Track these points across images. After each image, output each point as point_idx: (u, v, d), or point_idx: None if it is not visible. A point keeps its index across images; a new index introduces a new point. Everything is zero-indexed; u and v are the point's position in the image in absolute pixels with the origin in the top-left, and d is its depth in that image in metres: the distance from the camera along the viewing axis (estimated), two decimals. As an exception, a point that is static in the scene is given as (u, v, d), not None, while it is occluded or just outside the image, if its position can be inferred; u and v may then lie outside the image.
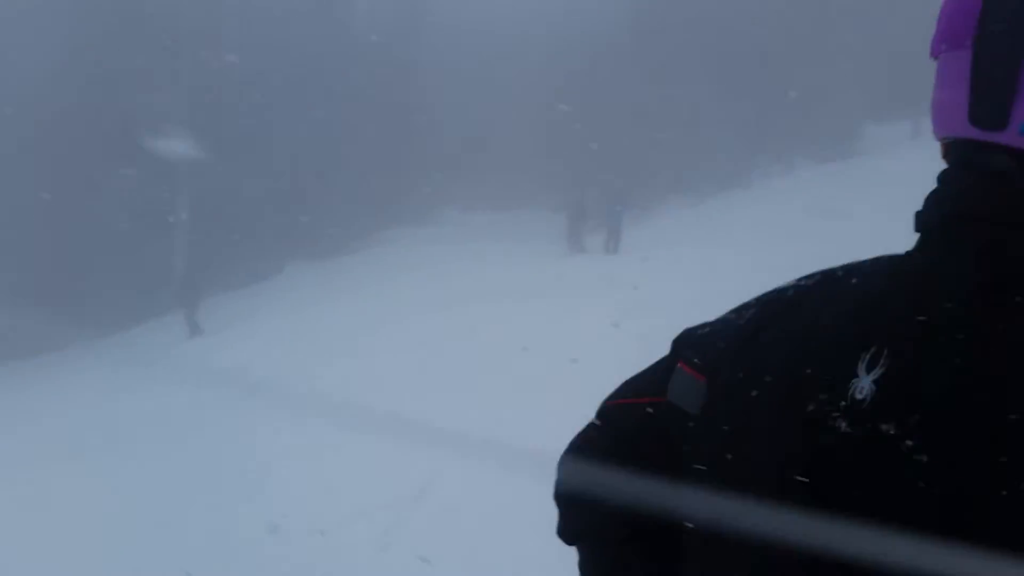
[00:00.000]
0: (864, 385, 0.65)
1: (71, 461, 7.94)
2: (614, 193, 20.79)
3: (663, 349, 0.91)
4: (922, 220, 0.73)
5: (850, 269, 0.78)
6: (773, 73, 23.55)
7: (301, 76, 25.17)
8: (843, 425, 0.65)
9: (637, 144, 25.77)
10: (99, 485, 6.82)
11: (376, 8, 31.57)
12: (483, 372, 8.03)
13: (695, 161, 25.06)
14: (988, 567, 0.56)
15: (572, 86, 28.35)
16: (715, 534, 0.74)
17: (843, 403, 0.66)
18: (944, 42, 0.72)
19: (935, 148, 0.77)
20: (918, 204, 0.75)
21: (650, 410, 0.87)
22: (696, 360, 0.83)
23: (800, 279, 0.82)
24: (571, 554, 0.97)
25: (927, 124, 0.81)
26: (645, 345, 1.00)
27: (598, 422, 0.95)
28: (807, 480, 0.66)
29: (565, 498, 0.95)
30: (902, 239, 0.79)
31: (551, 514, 0.98)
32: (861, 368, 0.66)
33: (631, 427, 0.90)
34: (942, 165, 0.75)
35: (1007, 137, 0.66)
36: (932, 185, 0.74)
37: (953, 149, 0.73)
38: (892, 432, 0.62)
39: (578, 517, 0.93)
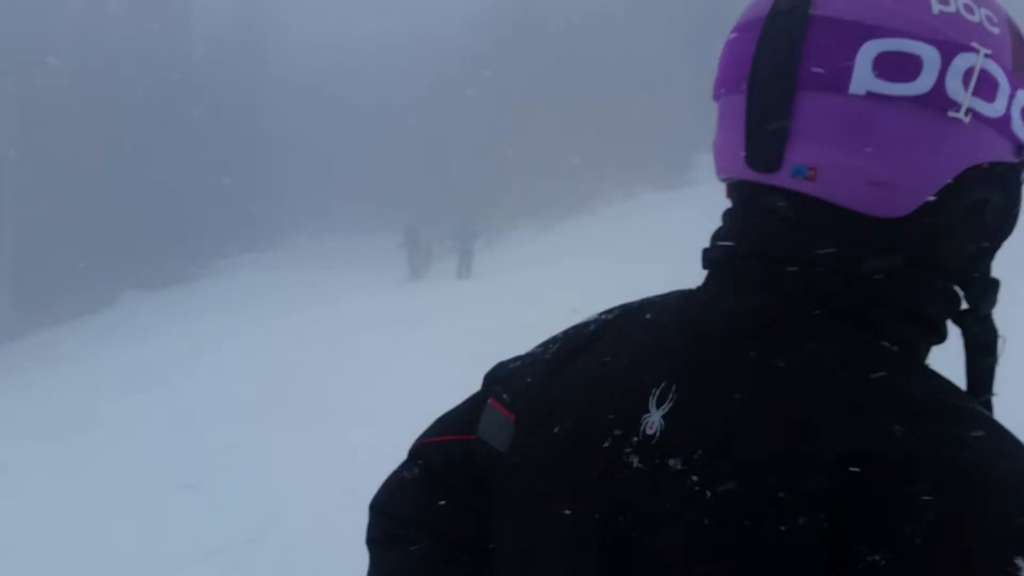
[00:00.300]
0: (654, 420, 0.66)
1: None
2: (465, 218, 20.95)
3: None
4: (707, 257, 0.75)
5: (645, 304, 0.80)
6: (615, 103, 24.57)
7: (139, 102, 23.99)
8: (635, 461, 0.66)
9: (487, 169, 26.15)
10: None
11: (215, 27, 30.51)
12: (315, 407, 7.79)
13: (543, 187, 25.68)
14: None
15: (419, 110, 28.46)
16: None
17: (635, 438, 0.67)
18: (723, 86, 0.73)
19: None
20: None
21: (461, 448, 0.86)
22: (505, 396, 0.83)
23: (602, 313, 0.84)
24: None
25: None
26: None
27: (409, 462, 0.94)
28: (601, 517, 0.66)
29: (374, 543, 0.92)
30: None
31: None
32: (652, 403, 0.67)
33: (443, 466, 0.89)
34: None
35: (780, 179, 0.67)
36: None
37: (735, 189, 0.75)
38: (679, 468, 0.62)
39: (389, 560, 0.90)
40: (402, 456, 0.96)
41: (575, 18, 26.32)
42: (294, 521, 5.11)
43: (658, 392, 0.67)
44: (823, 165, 0.66)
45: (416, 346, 9.85)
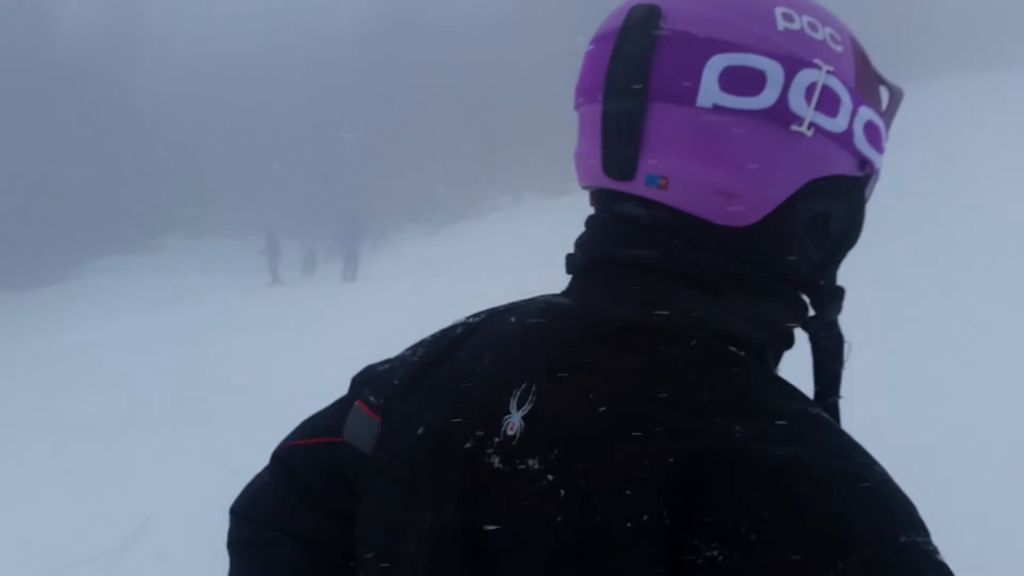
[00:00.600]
0: (515, 421, 0.66)
1: None
2: (351, 221, 20.64)
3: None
4: (570, 263, 0.76)
5: (511, 308, 0.81)
6: (503, 110, 24.77)
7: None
8: (496, 461, 0.66)
9: (374, 171, 25.84)
10: None
11: (86, 19, 28.86)
12: (188, 413, 7.53)
13: (431, 191, 25.60)
14: None
15: (301, 109, 27.82)
16: None
17: (496, 439, 0.67)
18: (580, 96, 0.74)
19: None
20: None
21: (326, 450, 0.85)
22: (372, 398, 0.82)
23: (469, 316, 0.84)
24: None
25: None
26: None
27: (272, 465, 0.91)
28: (462, 515, 0.67)
29: (234, 547, 0.91)
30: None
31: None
32: (513, 404, 0.67)
33: (308, 469, 0.87)
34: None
35: (635, 187, 0.69)
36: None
37: (596, 196, 0.76)
38: (536, 467, 0.63)
39: (249, 564, 0.89)
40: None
41: (462, 23, 26.39)
42: (166, 527, 4.91)
43: (519, 393, 0.67)
44: (674, 175, 0.67)
45: (295, 349, 9.63)
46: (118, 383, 8.87)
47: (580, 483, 0.60)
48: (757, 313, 0.69)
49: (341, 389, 0.90)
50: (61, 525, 5.05)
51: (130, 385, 8.71)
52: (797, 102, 0.66)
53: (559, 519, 0.60)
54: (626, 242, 0.71)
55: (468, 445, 0.69)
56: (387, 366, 0.86)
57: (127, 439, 6.80)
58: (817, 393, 0.73)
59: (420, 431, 0.74)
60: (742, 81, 0.65)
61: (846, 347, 0.73)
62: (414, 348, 0.85)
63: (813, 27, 0.69)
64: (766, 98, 0.65)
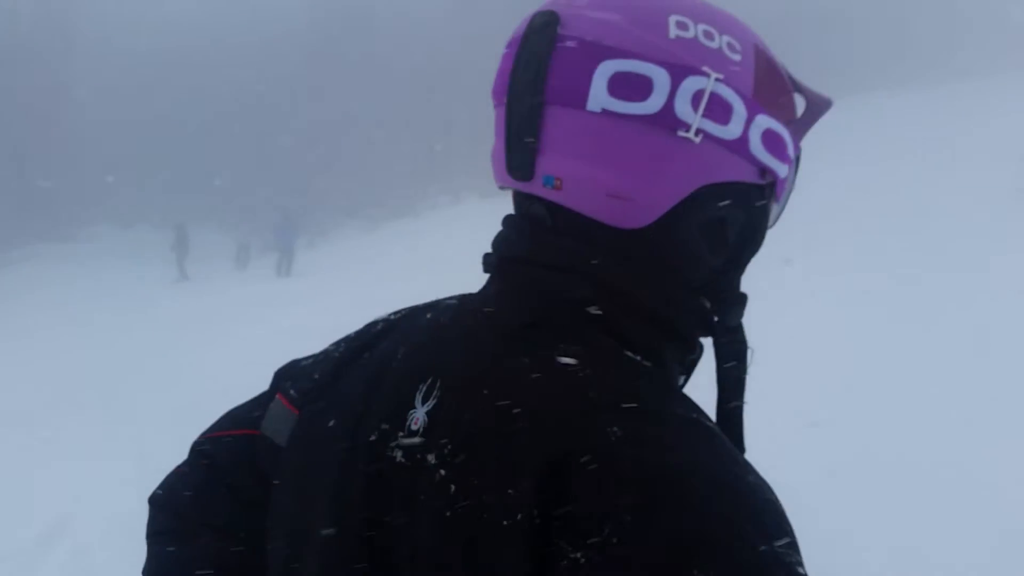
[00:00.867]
0: (419, 416, 0.68)
1: None
2: (286, 214, 20.34)
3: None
4: (485, 261, 0.79)
5: (430, 305, 0.83)
6: (443, 108, 24.69)
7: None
8: (398, 455, 0.67)
9: (314, 165, 25.46)
10: None
11: (17, 8, 27.69)
12: (113, 409, 7.36)
13: (370, 187, 25.36)
14: None
15: (240, 99, 27.26)
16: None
17: (401, 433, 0.68)
18: (493, 98, 0.76)
19: None
20: None
21: (245, 443, 0.86)
22: (292, 392, 0.84)
23: (391, 313, 0.85)
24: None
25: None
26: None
27: (191, 456, 0.92)
28: (363, 506, 0.68)
29: (152, 537, 0.91)
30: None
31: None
32: (418, 400, 0.69)
33: (225, 460, 0.89)
34: None
35: (534, 187, 0.71)
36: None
37: (513, 197, 0.79)
38: (433, 462, 0.64)
39: (165, 553, 0.89)
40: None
41: (404, 18, 26.22)
42: (86, 523, 4.80)
43: (424, 389, 0.69)
44: (567, 176, 0.69)
45: (225, 344, 9.49)
46: (43, 377, 8.60)
47: (470, 479, 0.60)
48: (653, 316, 0.70)
49: (266, 385, 0.92)
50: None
51: (55, 380, 8.46)
52: (683, 108, 0.67)
53: (448, 514, 0.60)
54: (532, 241, 0.72)
55: (373, 438, 0.70)
56: (310, 360, 0.87)
57: (49, 433, 6.61)
58: (720, 398, 0.73)
59: (331, 423, 0.75)
60: (630, 87, 0.67)
61: (749, 353, 0.74)
62: (337, 343, 0.86)
63: (709, 35, 0.69)
64: (652, 104, 0.67)
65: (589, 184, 0.68)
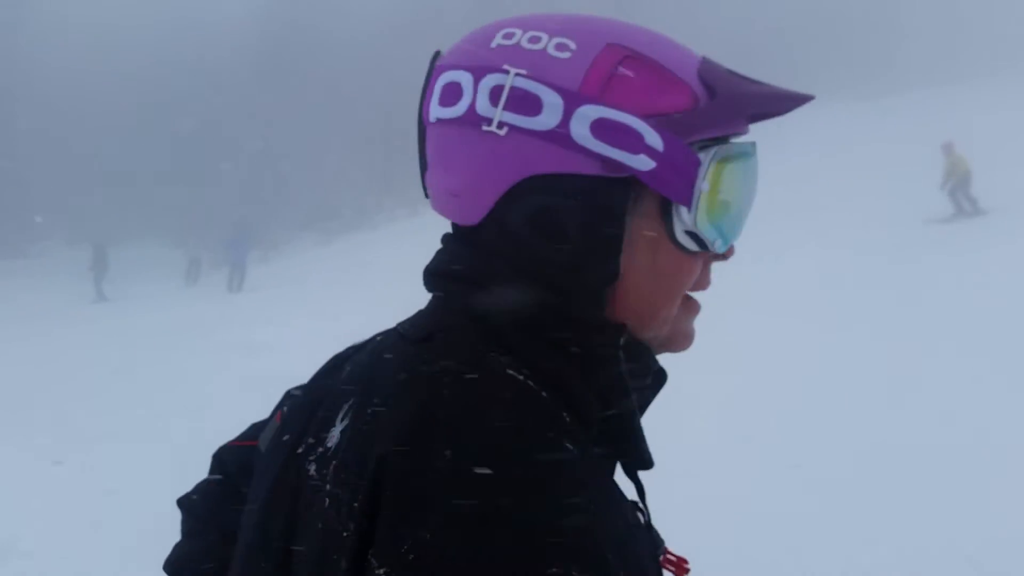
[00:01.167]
0: (335, 434, 0.70)
1: None
2: (237, 228, 20.02)
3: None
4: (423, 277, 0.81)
5: (392, 327, 0.83)
6: (396, 120, 24.66)
7: None
8: (312, 468, 0.70)
9: (266, 178, 25.20)
10: None
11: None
12: (61, 430, 7.15)
13: (324, 200, 25.17)
14: None
15: (187, 115, 26.89)
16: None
17: (320, 449, 0.71)
18: None
19: None
20: None
21: (248, 452, 0.92)
22: (284, 408, 0.87)
23: (375, 335, 0.85)
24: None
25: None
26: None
27: (211, 462, 1.00)
28: (285, 518, 0.71)
29: (182, 535, 0.99)
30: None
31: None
32: (339, 418, 0.71)
33: (233, 467, 0.96)
34: None
35: (431, 204, 0.77)
36: None
37: None
38: (329, 477, 0.67)
39: (181, 548, 0.98)
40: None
41: (359, 29, 26.17)
42: (33, 547, 4.63)
43: (346, 407, 0.71)
44: (432, 186, 0.76)
45: (173, 365, 9.34)
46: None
47: (341, 494, 0.64)
48: (518, 320, 0.70)
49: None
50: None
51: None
52: (483, 104, 0.70)
53: (319, 526, 0.65)
54: (444, 256, 0.77)
55: (300, 451, 0.73)
56: (309, 379, 0.90)
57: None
58: (590, 404, 0.70)
59: (285, 437, 0.78)
60: (448, 95, 0.72)
61: (621, 354, 0.72)
62: (326, 363, 0.89)
63: (534, 40, 0.71)
64: (461, 106, 0.71)
65: (440, 189, 0.75)
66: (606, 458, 0.73)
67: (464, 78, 0.71)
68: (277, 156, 25.82)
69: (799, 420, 5.28)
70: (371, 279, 14.12)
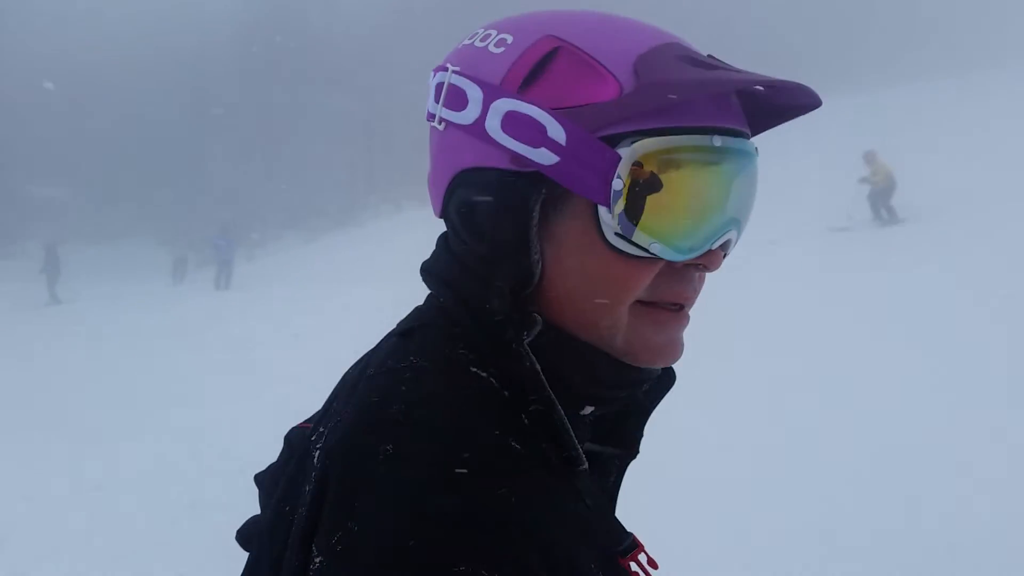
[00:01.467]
0: (326, 429, 0.72)
1: None
2: (224, 227, 19.94)
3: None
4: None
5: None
6: (383, 118, 24.57)
7: None
8: (317, 455, 0.70)
9: (252, 176, 25.06)
10: None
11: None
12: (51, 426, 7.12)
13: (309, 198, 25.06)
14: None
15: (171, 114, 26.70)
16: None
17: (317, 441, 0.72)
18: None
19: None
20: None
21: (308, 433, 0.95)
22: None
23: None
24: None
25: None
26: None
27: (285, 443, 0.99)
28: (285, 502, 0.74)
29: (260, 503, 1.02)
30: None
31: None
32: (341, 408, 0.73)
33: (297, 447, 0.94)
34: None
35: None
36: None
37: None
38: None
39: (253, 519, 0.97)
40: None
41: (343, 27, 26.04)
42: (24, 542, 4.63)
43: (345, 397, 0.73)
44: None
45: (163, 359, 9.30)
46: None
47: (312, 484, 0.64)
48: (472, 310, 0.70)
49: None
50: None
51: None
52: (431, 102, 0.73)
53: (302, 511, 0.65)
54: (434, 256, 0.79)
55: (313, 437, 0.74)
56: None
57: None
58: (516, 394, 0.68)
59: (310, 425, 0.80)
60: (438, 97, 0.74)
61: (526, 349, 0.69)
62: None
63: (485, 37, 0.71)
64: (429, 105, 0.74)
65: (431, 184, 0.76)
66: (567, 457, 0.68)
67: (432, 80, 0.75)
68: (262, 154, 25.67)
69: (798, 420, 5.33)
70: (357, 275, 14.09)
